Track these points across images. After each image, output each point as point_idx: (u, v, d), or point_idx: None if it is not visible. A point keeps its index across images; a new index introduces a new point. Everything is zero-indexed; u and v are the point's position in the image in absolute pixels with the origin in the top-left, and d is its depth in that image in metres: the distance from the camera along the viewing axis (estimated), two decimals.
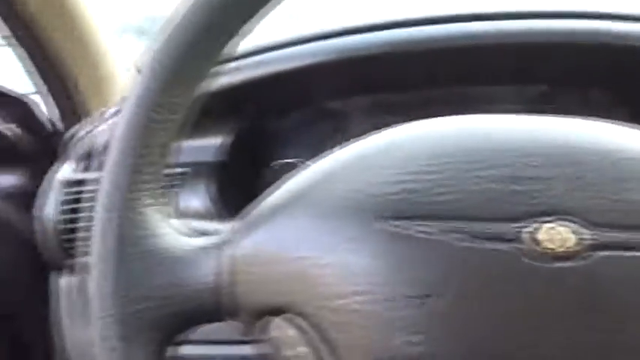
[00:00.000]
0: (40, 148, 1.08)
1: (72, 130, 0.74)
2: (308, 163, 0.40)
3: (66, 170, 0.70)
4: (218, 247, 0.36)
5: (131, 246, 0.35)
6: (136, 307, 0.35)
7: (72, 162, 0.71)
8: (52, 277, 0.71)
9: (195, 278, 0.35)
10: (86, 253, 0.68)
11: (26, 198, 1.07)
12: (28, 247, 1.08)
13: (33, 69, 0.83)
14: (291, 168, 0.75)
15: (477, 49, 0.70)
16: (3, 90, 1.03)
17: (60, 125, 1.06)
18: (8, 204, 1.05)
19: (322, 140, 0.77)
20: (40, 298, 1.10)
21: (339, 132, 0.78)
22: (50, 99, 0.81)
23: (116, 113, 0.72)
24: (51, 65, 0.79)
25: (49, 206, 0.67)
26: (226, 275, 0.35)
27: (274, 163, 0.75)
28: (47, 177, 0.70)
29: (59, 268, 0.70)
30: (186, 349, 0.40)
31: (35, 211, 0.68)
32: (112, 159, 0.37)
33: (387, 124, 0.75)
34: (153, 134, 0.36)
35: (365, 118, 0.78)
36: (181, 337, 0.37)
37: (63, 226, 0.67)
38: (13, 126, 1.03)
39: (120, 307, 0.34)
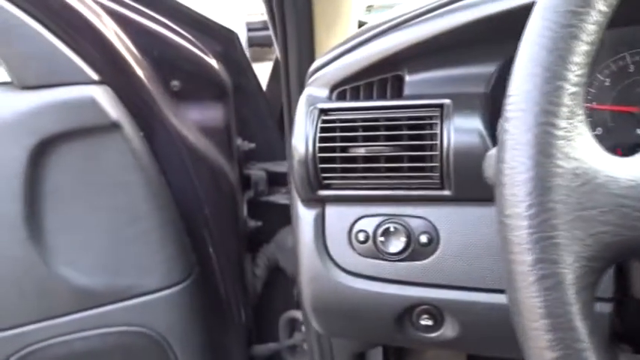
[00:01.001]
0: (238, 83, 1.09)
1: (317, 62, 0.71)
2: None
3: (319, 99, 0.69)
4: None
5: (561, 161, 0.31)
6: (574, 232, 0.31)
7: (323, 91, 0.69)
8: (299, 207, 0.70)
9: None
10: (338, 186, 0.67)
11: (222, 132, 1.09)
12: (222, 179, 1.10)
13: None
14: None
15: None
16: (209, 21, 1.03)
17: None
18: (206, 137, 1.06)
19: None
20: (229, 227, 1.13)
21: None
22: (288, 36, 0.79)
23: (358, 46, 0.69)
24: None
25: (305, 135, 0.66)
26: None
27: None
28: (299, 106, 0.68)
29: (308, 200, 0.69)
30: None
31: (292, 140, 0.67)
32: (525, 68, 0.33)
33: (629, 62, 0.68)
34: (579, 31, 0.32)
35: (606, 56, 0.71)
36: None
37: (319, 155, 0.65)
38: (215, 60, 1.04)
39: (558, 230, 0.31)
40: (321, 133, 0.66)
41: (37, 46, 0.86)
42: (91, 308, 0.98)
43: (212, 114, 1.06)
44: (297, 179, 0.67)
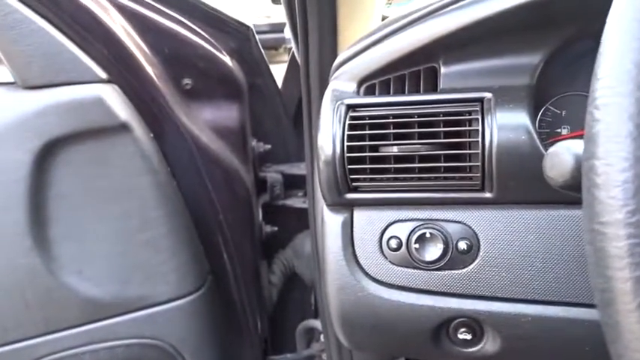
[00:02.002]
0: (252, 81, 1.04)
1: (343, 55, 0.66)
2: None
3: (345, 94, 0.63)
4: None
5: None
6: None
7: (350, 85, 0.63)
8: (324, 212, 0.65)
9: None
10: (367, 189, 0.62)
11: (236, 132, 1.04)
12: (237, 182, 1.05)
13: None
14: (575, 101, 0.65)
15: None
16: (223, 16, 0.98)
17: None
18: (219, 138, 1.01)
19: None
20: (244, 232, 1.08)
21: None
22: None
23: (388, 36, 0.64)
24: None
25: (332, 133, 0.60)
26: None
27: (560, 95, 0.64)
28: (324, 102, 0.63)
29: (334, 204, 0.63)
30: None
31: (318, 139, 0.61)
32: (621, 45, 0.27)
33: None
34: None
35: None
36: None
37: (348, 155, 0.60)
38: (228, 56, 0.99)
39: None
40: (349, 131, 0.60)
41: (41, 43, 0.82)
42: (100, 320, 0.93)
43: (226, 114, 1.01)
44: (323, 182, 0.62)
